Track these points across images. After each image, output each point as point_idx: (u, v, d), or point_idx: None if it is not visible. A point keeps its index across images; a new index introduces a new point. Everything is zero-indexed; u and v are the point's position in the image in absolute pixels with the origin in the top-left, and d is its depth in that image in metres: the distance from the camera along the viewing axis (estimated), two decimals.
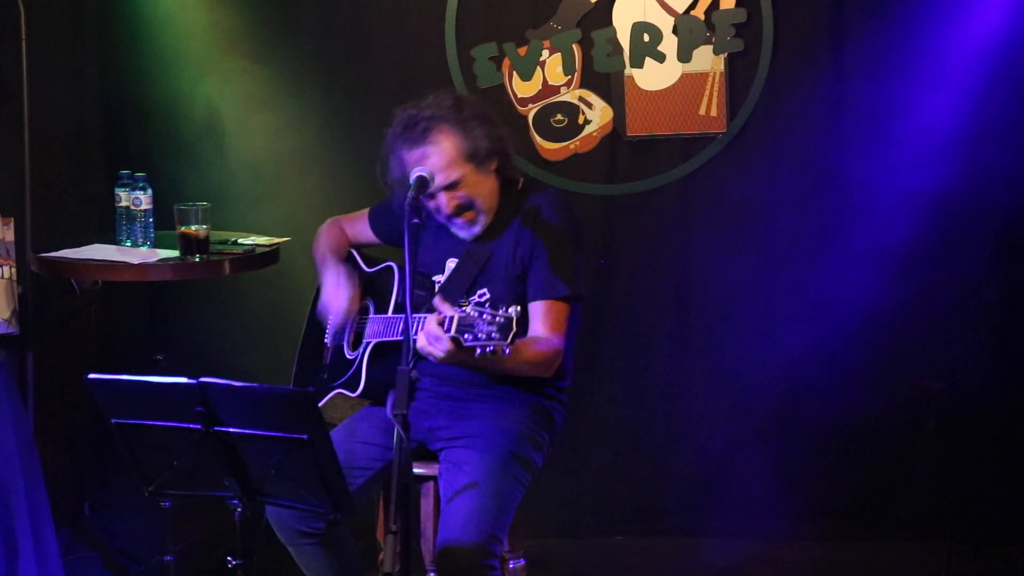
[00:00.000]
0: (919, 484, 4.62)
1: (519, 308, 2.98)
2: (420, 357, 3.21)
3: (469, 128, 3.44)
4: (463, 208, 3.47)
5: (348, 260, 3.79)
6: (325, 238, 3.82)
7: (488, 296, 3.49)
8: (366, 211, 3.83)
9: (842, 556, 4.56)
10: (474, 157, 3.44)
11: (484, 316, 2.97)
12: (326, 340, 3.79)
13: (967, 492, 4.50)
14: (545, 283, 3.44)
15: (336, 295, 3.65)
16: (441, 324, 3.07)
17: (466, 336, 2.99)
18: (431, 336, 3.10)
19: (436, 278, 3.56)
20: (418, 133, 3.42)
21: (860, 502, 4.68)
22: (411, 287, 3.13)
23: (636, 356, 4.73)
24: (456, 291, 3.49)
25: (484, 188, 3.48)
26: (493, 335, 2.96)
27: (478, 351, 3.00)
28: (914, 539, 4.58)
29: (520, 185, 3.56)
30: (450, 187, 3.43)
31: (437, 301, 3.12)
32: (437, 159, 3.40)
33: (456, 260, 3.55)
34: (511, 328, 2.95)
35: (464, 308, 3.01)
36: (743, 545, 4.62)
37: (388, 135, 3.49)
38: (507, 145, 3.53)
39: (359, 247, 3.85)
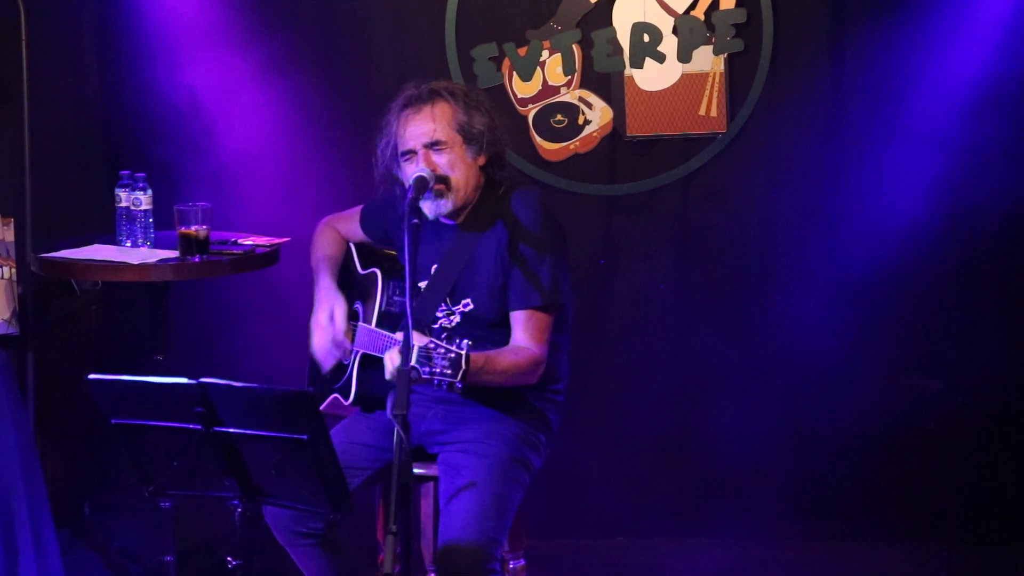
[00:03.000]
0: (919, 484, 4.62)
1: (470, 342, 3.07)
2: None
3: (471, 112, 3.49)
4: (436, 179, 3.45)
5: (345, 259, 3.78)
6: (320, 243, 3.82)
7: (472, 307, 3.50)
8: (358, 210, 3.83)
9: (842, 556, 4.56)
10: (465, 135, 3.47)
11: (439, 350, 3.05)
12: None
13: (967, 492, 4.50)
14: (525, 292, 3.45)
15: (322, 329, 3.62)
16: None
17: (424, 369, 3.05)
18: (396, 364, 3.13)
19: (420, 284, 3.55)
20: (423, 95, 3.49)
21: (860, 502, 4.68)
22: (410, 289, 3.13)
23: (636, 356, 4.72)
24: (439, 296, 3.51)
25: (464, 171, 3.48)
26: (446, 370, 3.05)
27: (435, 383, 3.08)
28: (914, 539, 4.58)
29: (502, 190, 3.55)
30: (432, 145, 3.45)
31: (400, 331, 3.17)
32: (430, 117, 3.45)
33: (437, 265, 3.55)
34: (460, 365, 3.04)
35: (425, 339, 3.08)
36: (743, 545, 4.63)
37: (388, 110, 3.53)
38: (502, 148, 3.55)
39: (355, 244, 3.85)
